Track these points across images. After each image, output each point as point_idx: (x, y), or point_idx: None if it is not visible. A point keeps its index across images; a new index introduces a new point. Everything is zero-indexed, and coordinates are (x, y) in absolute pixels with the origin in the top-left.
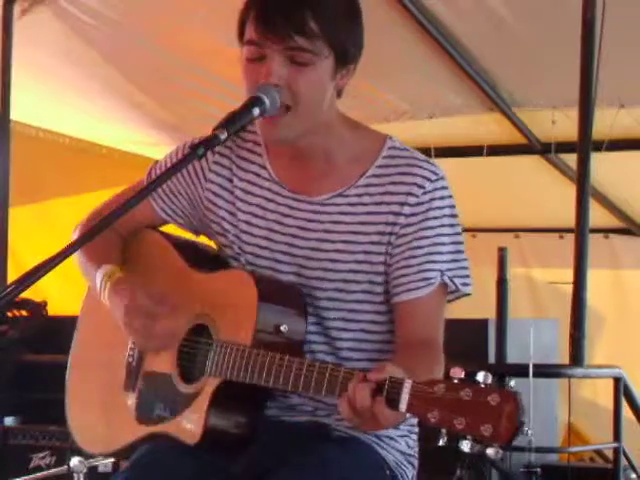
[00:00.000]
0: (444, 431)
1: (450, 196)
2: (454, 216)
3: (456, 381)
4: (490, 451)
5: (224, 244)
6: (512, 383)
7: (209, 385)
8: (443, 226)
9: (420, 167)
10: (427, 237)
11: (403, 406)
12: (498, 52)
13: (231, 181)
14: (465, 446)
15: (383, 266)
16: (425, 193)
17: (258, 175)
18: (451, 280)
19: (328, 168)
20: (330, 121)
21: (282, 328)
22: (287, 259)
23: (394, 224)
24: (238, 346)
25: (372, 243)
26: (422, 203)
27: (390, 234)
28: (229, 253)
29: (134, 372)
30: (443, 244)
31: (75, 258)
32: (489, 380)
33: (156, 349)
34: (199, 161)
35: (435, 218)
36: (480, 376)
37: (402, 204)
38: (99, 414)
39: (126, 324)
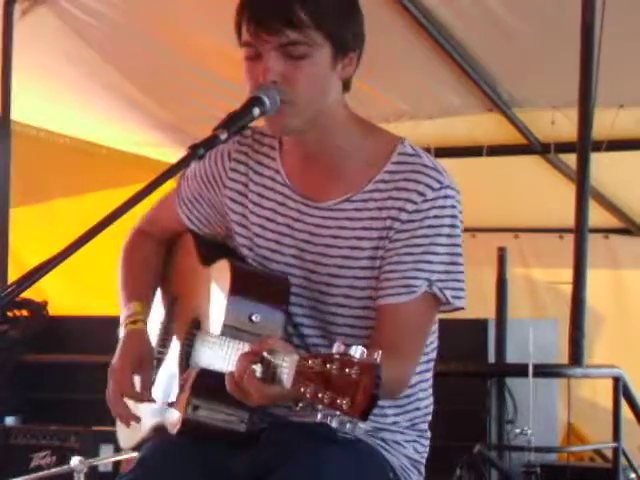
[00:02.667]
0: (320, 407)
1: (453, 206)
2: (454, 227)
3: (337, 356)
4: (349, 425)
5: (236, 246)
6: (376, 356)
7: (191, 376)
8: (439, 236)
9: (425, 174)
10: (419, 245)
11: (288, 383)
12: (498, 52)
13: (247, 186)
14: (334, 422)
15: (379, 272)
16: (425, 201)
17: (273, 179)
18: (441, 291)
19: (338, 172)
20: (339, 117)
21: (254, 318)
22: (297, 263)
23: (390, 229)
24: (211, 337)
25: (374, 249)
26: (420, 211)
27: (386, 238)
28: (240, 255)
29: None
30: (436, 254)
31: (119, 265)
32: (364, 355)
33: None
34: (217, 168)
35: (431, 227)
36: (353, 349)
37: (400, 210)
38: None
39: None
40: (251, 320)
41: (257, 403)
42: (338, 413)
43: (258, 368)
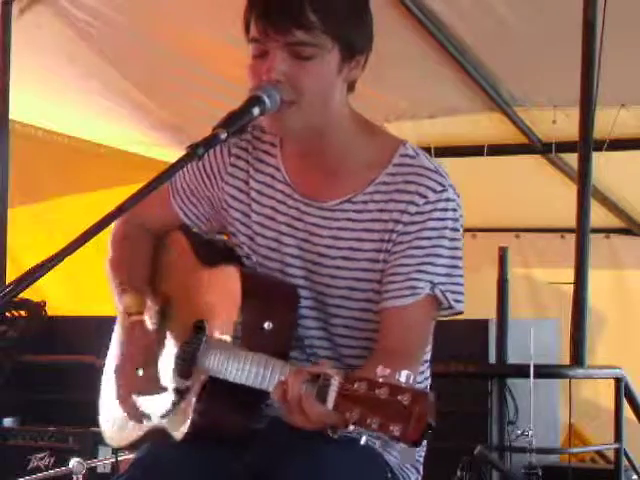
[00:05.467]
0: (363, 430)
1: (454, 209)
2: (456, 230)
3: (380, 379)
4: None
5: (236, 244)
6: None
7: (198, 381)
8: (442, 238)
9: (426, 177)
10: (422, 247)
11: (330, 404)
12: (499, 51)
13: (247, 183)
14: (377, 444)
15: (382, 274)
16: (427, 203)
17: (273, 177)
18: (443, 294)
19: (340, 172)
20: (342, 118)
21: (266, 325)
22: (297, 263)
23: (392, 231)
24: (220, 343)
25: (375, 251)
26: (422, 213)
27: (388, 241)
28: (240, 253)
29: None
30: (439, 256)
31: (108, 256)
32: (410, 379)
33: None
34: (217, 162)
35: (434, 229)
36: (402, 375)
37: (402, 212)
38: (117, 411)
39: (117, 364)
40: (263, 328)
41: (311, 426)
42: (387, 438)
43: (311, 389)
